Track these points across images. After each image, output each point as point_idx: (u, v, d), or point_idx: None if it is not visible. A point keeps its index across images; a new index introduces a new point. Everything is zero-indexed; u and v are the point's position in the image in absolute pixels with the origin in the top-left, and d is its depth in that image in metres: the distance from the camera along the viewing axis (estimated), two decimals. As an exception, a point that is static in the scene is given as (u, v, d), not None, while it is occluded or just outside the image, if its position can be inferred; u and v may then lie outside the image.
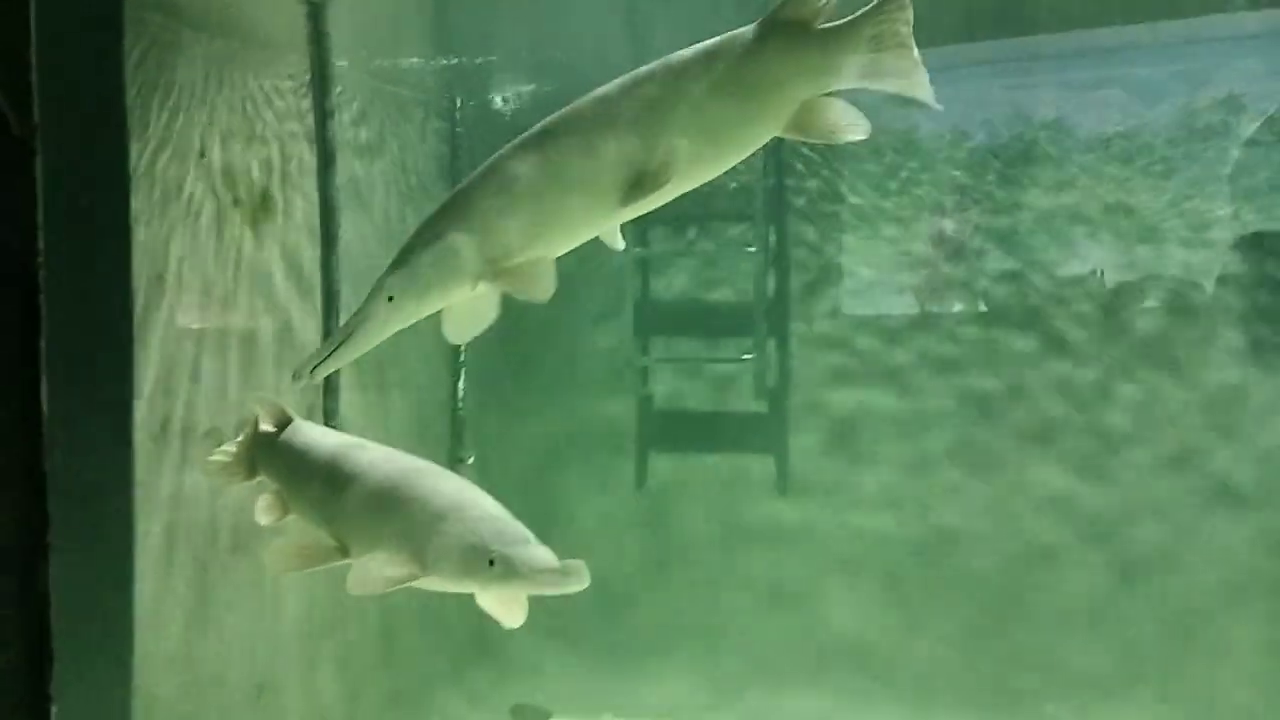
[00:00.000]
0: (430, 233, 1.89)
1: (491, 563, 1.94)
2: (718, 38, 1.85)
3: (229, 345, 3.85)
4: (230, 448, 2.58)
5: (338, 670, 4.45)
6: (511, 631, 2.14)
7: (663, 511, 5.92)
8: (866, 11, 1.79)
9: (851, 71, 1.81)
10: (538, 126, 1.91)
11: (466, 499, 2.08)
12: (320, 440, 2.44)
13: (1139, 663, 5.19)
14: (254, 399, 2.59)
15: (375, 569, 2.05)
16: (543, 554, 1.96)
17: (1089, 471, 5.45)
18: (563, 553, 2.00)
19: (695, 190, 7.20)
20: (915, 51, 1.79)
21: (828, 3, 1.79)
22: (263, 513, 2.52)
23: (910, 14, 1.78)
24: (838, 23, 1.81)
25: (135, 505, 3.46)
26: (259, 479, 2.58)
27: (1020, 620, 5.38)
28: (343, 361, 1.92)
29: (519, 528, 2.02)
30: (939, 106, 1.84)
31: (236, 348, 3.89)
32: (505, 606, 2.10)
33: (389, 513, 2.11)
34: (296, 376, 1.89)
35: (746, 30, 1.83)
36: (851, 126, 1.86)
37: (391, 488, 2.14)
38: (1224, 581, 5.14)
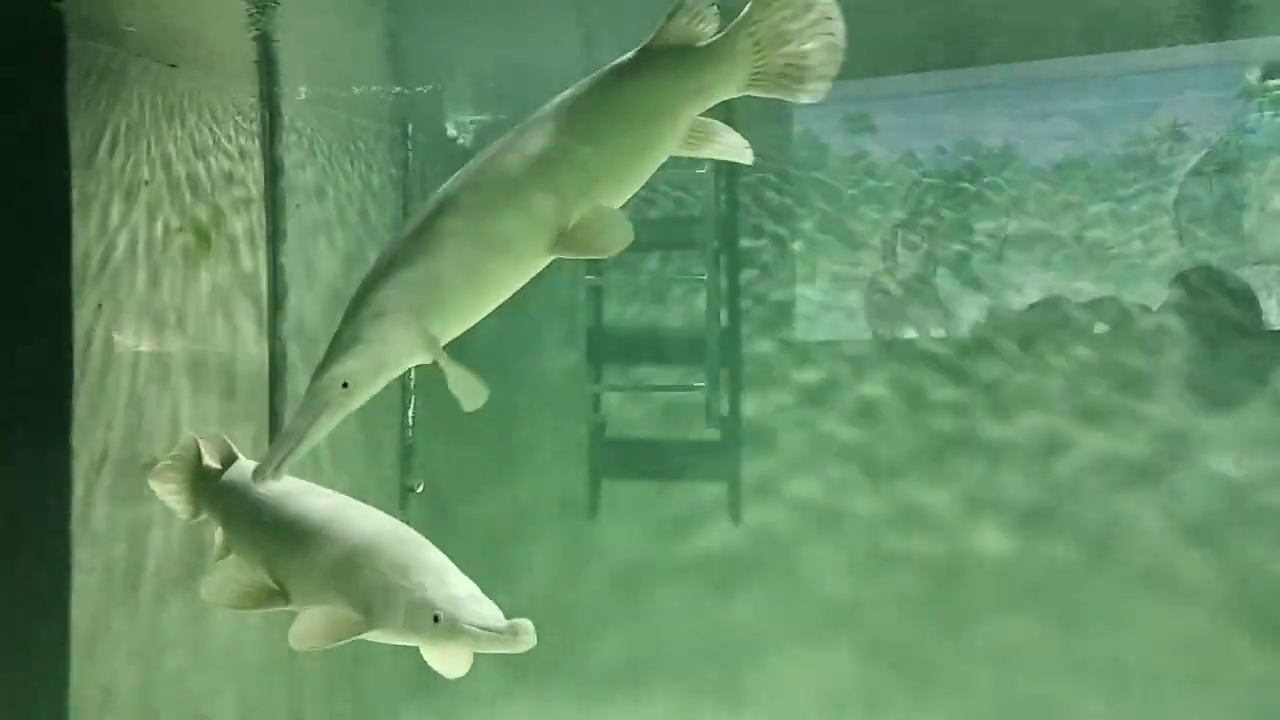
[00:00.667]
0: (372, 312, 1.84)
1: (436, 619, 1.92)
2: (602, 73, 1.85)
3: (171, 375, 3.80)
4: (170, 470, 2.53)
5: (283, 704, 4.38)
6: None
7: (615, 539, 5.91)
8: (740, 20, 1.79)
9: (738, 83, 1.82)
10: (451, 187, 1.89)
11: (412, 552, 2.04)
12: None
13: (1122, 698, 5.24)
14: (201, 434, 2.55)
15: (317, 624, 2.03)
16: (489, 612, 1.93)
17: (1040, 497, 5.52)
18: (510, 606, 1.98)
19: (647, 219, 7.14)
20: (803, 52, 1.77)
21: (707, 21, 1.78)
22: (220, 550, 2.49)
23: (787, 12, 1.75)
24: (716, 37, 1.81)
25: (72, 537, 3.40)
26: (204, 516, 2.55)
27: (972, 647, 5.41)
28: (303, 453, 1.85)
29: (466, 584, 1.99)
30: (819, 100, 1.82)
31: (179, 377, 3.84)
32: (449, 659, 2.08)
33: (332, 564, 2.07)
34: (260, 476, 1.83)
35: (629, 61, 1.83)
36: (738, 150, 1.92)
37: (335, 538, 2.11)
38: (1166, 604, 5.21)
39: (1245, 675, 5.04)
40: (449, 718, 5.28)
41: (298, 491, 2.31)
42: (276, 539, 2.21)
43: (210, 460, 2.51)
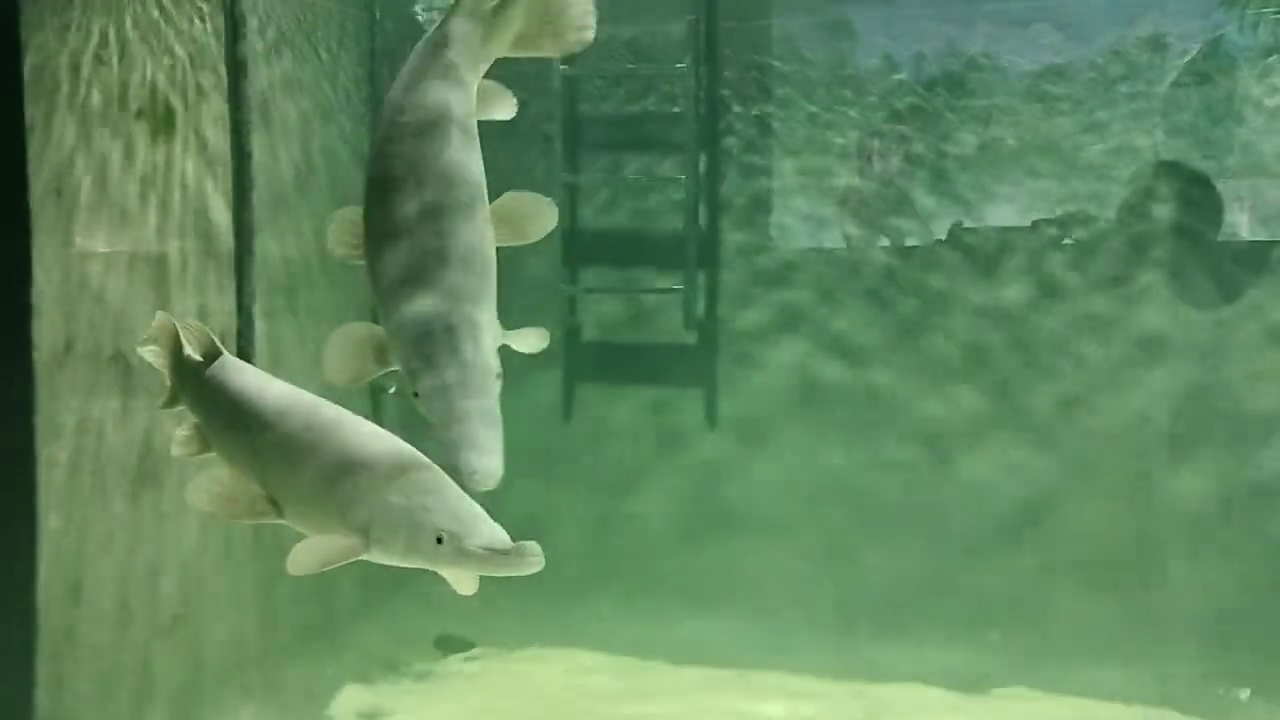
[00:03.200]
0: (476, 304, 1.87)
1: (440, 541, 1.81)
2: (440, 56, 1.94)
3: (133, 264, 3.66)
4: (154, 348, 2.40)
5: (256, 601, 4.36)
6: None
7: (590, 443, 5.88)
8: None
9: (510, 45, 1.99)
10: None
11: (412, 470, 1.92)
12: (254, 385, 2.21)
13: (1071, 591, 5.35)
14: (182, 325, 2.41)
15: (314, 551, 1.91)
16: (495, 533, 1.83)
17: (1011, 402, 5.56)
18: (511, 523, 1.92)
19: (626, 117, 7.00)
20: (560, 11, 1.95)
21: None
22: (179, 446, 2.37)
23: None
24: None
25: (36, 431, 3.30)
26: (180, 408, 2.43)
27: (948, 549, 5.48)
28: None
29: (470, 504, 1.86)
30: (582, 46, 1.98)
31: (141, 267, 3.70)
32: (457, 577, 1.98)
33: (327, 481, 1.95)
34: (478, 482, 1.73)
35: (440, 34, 1.96)
36: (508, 105, 2.10)
37: (331, 453, 1.97)
38: (1149, 516, 5.30)
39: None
40: (426, 615, 5.29)
41: (290, 398, 2.18)
42: (267, 449, 2.07)
43: (190, 351, 2.38)
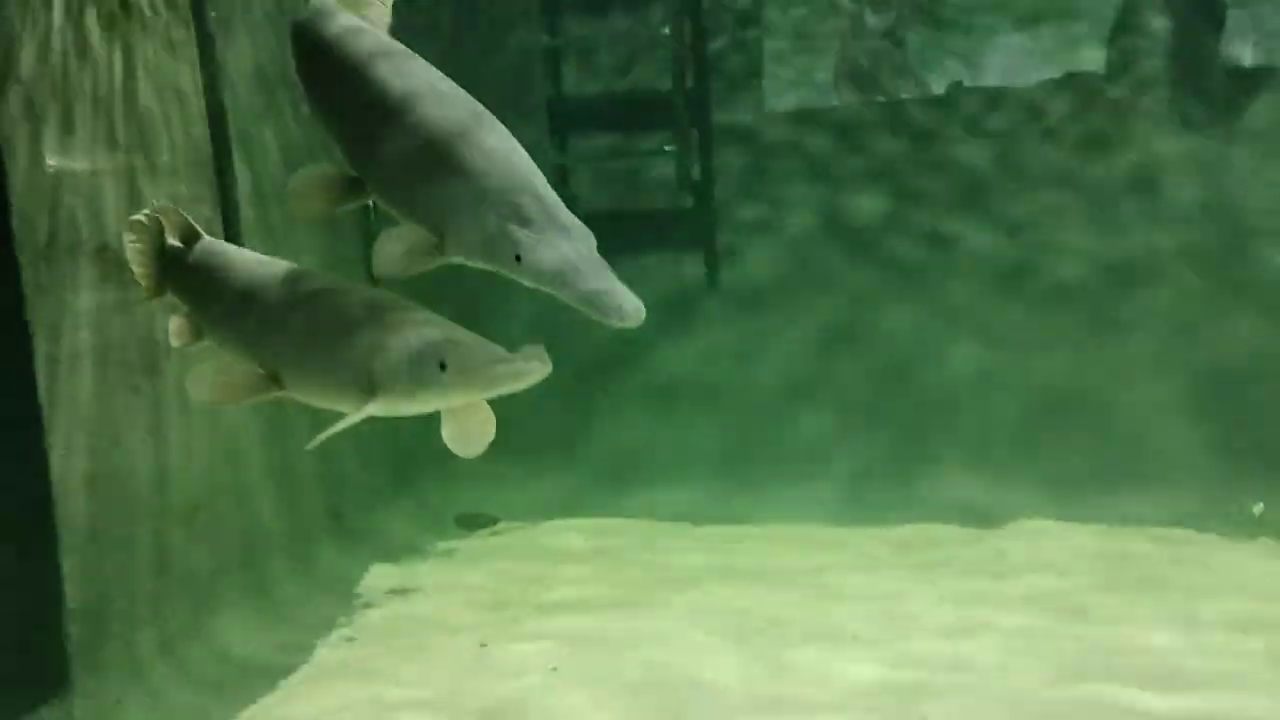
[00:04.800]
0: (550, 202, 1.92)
1: (443, 366, 1.81)
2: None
3: (111, 158, 3.60)
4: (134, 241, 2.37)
5: (276, 485, 4.40)
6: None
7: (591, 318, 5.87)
8: None
9: None
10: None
11: (404, 313, 1.93)
12: (237, 262, 2.22)
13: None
14: (157, 210, 2.37)
15: (338, 429, 1.94)
16: (494, 348, 1.83)
17: (1015, 240, 5.51)
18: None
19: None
20: None
21: None
22: (175, 336, 2.37)
23: None
24: None
25: (32, 329, 3.30)
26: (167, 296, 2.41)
27: (956, 392, 5.48)
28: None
29: (464, 330, 1.88)
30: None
31: (120, 160, 3.64)
32: (468, 434, 1.98)
33: (326, 338, 1.96)
34: (633, 320, 1.75)
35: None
36: None
37: (324, 312, 1.99)
38: (1152, 340, 5.28)
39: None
40: (447, 494, 5.36)
41: (274, 269, 2.16)
42: (259, 323, 2.07)
43: (171, 238, 2.35)
